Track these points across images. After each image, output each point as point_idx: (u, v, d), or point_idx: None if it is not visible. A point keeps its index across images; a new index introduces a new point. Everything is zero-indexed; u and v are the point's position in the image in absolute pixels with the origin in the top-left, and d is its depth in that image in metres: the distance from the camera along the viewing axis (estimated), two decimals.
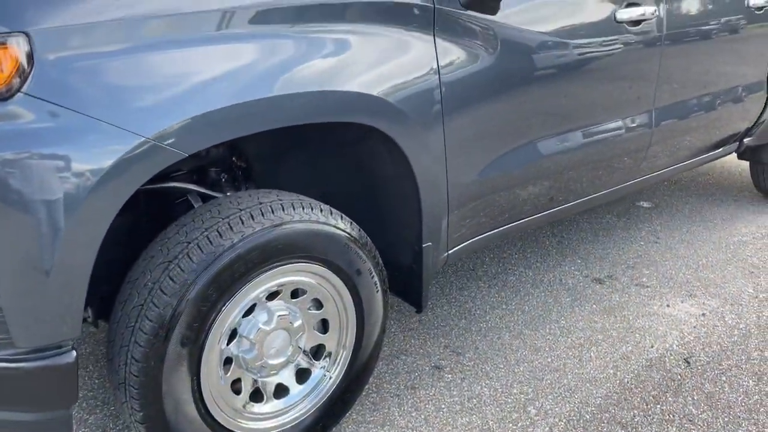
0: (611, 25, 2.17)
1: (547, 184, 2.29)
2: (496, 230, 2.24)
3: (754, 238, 3.21)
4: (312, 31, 1.52)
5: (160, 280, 1.43)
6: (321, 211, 1.63)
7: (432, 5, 1.70)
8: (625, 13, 2.20)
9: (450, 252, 2.05)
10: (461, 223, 2.04)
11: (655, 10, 2.30)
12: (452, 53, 1.76)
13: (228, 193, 1.78)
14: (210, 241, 1.45)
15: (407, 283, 1.97)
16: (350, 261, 1.68)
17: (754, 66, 2.97)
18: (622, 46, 2.24)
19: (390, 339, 2.34)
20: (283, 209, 1.55)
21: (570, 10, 2.06)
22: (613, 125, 2.38)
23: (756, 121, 3.16)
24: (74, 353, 1.34)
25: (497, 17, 1.84)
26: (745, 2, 2.76)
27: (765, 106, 3.13)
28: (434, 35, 1.72)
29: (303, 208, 1.59)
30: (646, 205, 3.67)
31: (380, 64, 1.62)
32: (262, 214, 1.52)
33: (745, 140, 3.24)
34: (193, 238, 1.46)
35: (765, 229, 3.31)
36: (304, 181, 1.98)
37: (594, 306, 2.58)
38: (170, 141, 1.29)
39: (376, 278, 1.76)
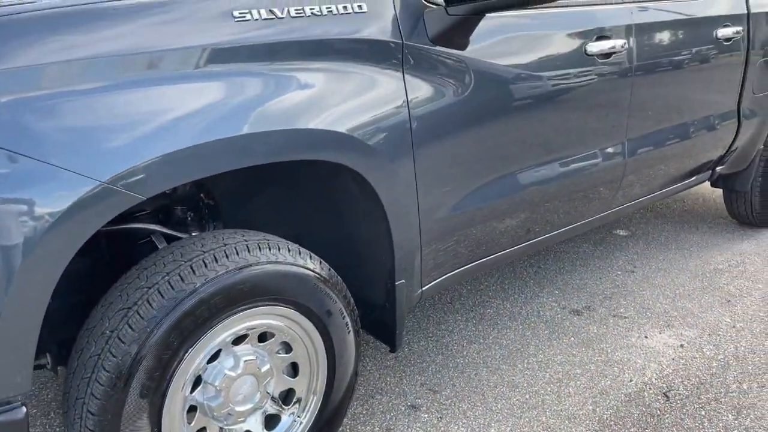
0: (582, 58, 2.18)
1: (523, 216, 2.27)
2: (472, 264, 2.21)
3: (730, 266, 3.21)
4: (277, 69, 1.49)
5: (118, 328, 1.37)
6: (289, 251, 1.58)
7: (400, 41, 1.69)
8: (596, 47, 2.21)
9: (424, 288, 2.00)
10: (435, 258, 2.00)
11: (625, 43, 2.31)
12: (422, 88, 1.74)
13: (194, 233, 1.72)
14: (171, 286, 1.40)
15: (381, 322, 1.92)
16: (320, 302, 1.63)
17: (725, 95, 3.00)
18: (593, 78, 2.24)
19: (365, 377, 2.28)
20: (249, 250, 1.50)
21: (541, 45, 2.06)
22: (587, 156, 2.38)
23: (728, 149, 3.19)
24: (24, 409, 1.26)
25: (467, 52, 1.83)
26: (713, 33, 2.80)
27: (736, 135, 3.16)
28: (403, 70, 1.70)
29: (270, 249, 1.54)
30: (622, 233, 3.68)
31: (348, 101, 1.60)
32: (227, 256, 1.47)
33: (718, 168, 3.26)
34: (154, 282, 1.41)
35: (740, 256, 3.32)
36: (275, 218, 1.94)
37: (572, 338, 2.54)
38: (126, 185, 1.24)
39: (347, 319, 1.71)
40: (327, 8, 1.56)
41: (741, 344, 2.50)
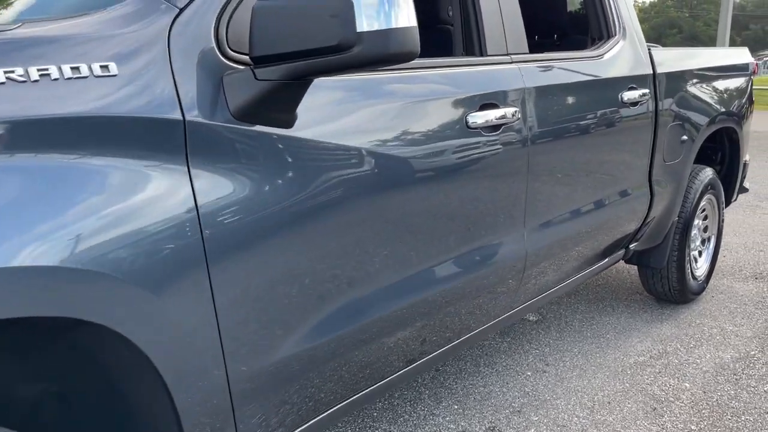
0: (463, 132, 1.70)
1: (419, 324, 1.76)
2: (345, 401, 1.65)
3: (652, 357, 2.80)
4: None
5: None
6: None
7: (180, 118, 1.13)
8: (480, 117, 1.74)
9: None
10: (272, 415, 1.41)
11: (517, 112, 1.86)
12: (222, 185, 1.18)
13: None
14: None
15: None
16: None
17: (635, 166, 2.64)
18: (479, 156, 1.77)
19: None
20: None
21: (405, 117, 1.55)
22: (480, 252, 1.88)
23: (642, 224, 2.82)
24: None
25: (295, 130, 1.29)
26: (619, 97, 2.43)
27: (649, 208, 2.80)
28: (188, 161, 1.14)
29: None
30: (532, 318, 3.22)
31: (88, 215, 1.01)
32: None
33: (632, 245, 2.89)
34: None
35: (661, 344, 2.92)
36: (14, 379, 1.29)
37: None
38: None
39: None
40: (41, 72, 0.99)
41: None
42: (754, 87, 3.68)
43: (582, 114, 2.22)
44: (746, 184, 3.88)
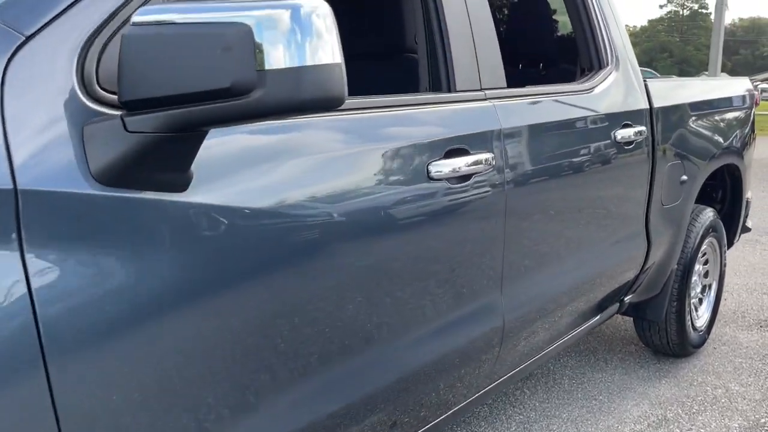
0: (423, 185, 1.40)
1: (391, 406, 1.46)
2: None
3: (650, 426, 2.48)
4: None
5: None
6: None
7: (10, 186, 0.82)
8: (445, 166, 1.44)
9: None
10: None
11: (491, 157, 1.57)
12: (72, 271, 0.87)
13: None
14: None
15: None
16: None
17: (629, 212, 2.34)
18: (444, 213, 1.46)
19: None
20: None
21: (345, 171, 1.25)
22: (445, 327, 1.57)
23: (638, 274, 2.52)
24: None
25: (188, 195, 0.99)
26: (611, 136, 2.14)
27: (646, 258, 2.50)
28: (21, 241, 0.83)
29: None
30: None
31: None
32: None
33: (626, 298, 2.58)
34: None
35: (660, 408, 2.60)
36: None
37: None
38: None
39: None
40: None
41: None
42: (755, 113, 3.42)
43: (569, 158, 1.92)
44: (748, 223, 3.60)
